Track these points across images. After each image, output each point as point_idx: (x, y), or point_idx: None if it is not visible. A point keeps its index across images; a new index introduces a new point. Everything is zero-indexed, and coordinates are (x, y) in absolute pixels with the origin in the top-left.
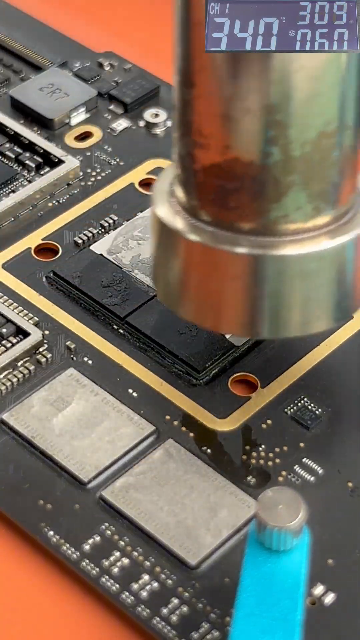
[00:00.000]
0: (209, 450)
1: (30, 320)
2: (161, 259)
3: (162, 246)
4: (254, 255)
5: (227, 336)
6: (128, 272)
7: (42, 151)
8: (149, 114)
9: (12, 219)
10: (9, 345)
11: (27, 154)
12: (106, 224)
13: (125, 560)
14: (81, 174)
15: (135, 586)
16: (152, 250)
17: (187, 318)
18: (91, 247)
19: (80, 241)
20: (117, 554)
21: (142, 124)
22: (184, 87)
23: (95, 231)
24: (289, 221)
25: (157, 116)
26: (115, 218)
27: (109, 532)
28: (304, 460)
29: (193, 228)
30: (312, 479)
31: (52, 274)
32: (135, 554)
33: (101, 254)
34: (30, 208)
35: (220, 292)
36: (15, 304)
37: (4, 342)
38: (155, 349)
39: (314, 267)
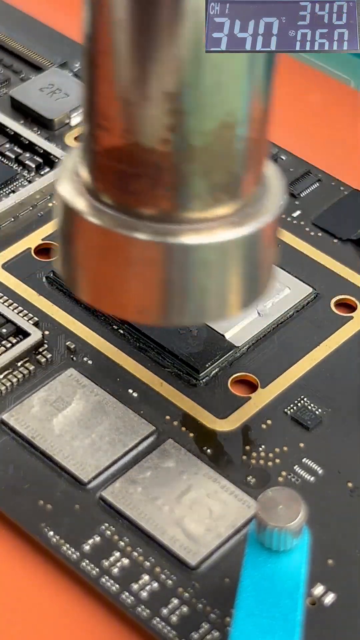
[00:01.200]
0: (209, 451)
1: (30, 321)
2: (62, 239)
3: (63, 225)
4: (152, 241)
5: (227, 336)
6: None
7: (42, 151)
8: None
9: (12, 219)
10: (8, 345)
11: (27, 154)
12: None
13: (125, 561)
14: None
15: (135, 586)
16: (56, 229)
17: (86, 300)
18: None
19: None
20: (117, 554)
21: None
22: (89, 68)
23: None
24: (187, 210)
25: None
26: None
27: (109, 533)
28: (303, 460)
29: (94, 210)
30: (312, 479)
31: (52, 274)
32: (135, 554)
33: None
34: (30, 208)
35: (118, 277)
36: (15, 304)
37: (4, 342)
38: (155, 349)
39: (212, 258)
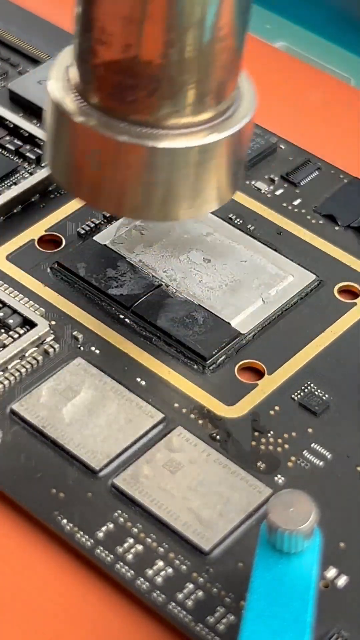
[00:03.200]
0: (218, 437)
1: (36, 311)
2: (52, 138)
3: (53, 125)
4: (146, 145)
5: (233, 324)
6: (132, 262)
7: (42, 143)
8: None
9: (15, 211)
10: (16, 336)
11: (28, 147)
12: (108, 215)
13: (139, 547)
14: None
15: (149, 572)
16: (45, 128)
17: (78, 196)
18: (94, 238)
19: (83, 232)
20: (131, 540)
21: None
22: None
23: (98, 222)
24: (179, 116)
25: None
26: None
27: (122, 520)
28: (312, 445)
29: (83, 112)
30: (321, 464)
31: (56, 265)
32: (149, 540)
33: (105, 245)
34: (33, 200)
35: (110, 178)
36: (20, 295)
37: (11, 332)
38: (162, 338)
39: (199, 159)
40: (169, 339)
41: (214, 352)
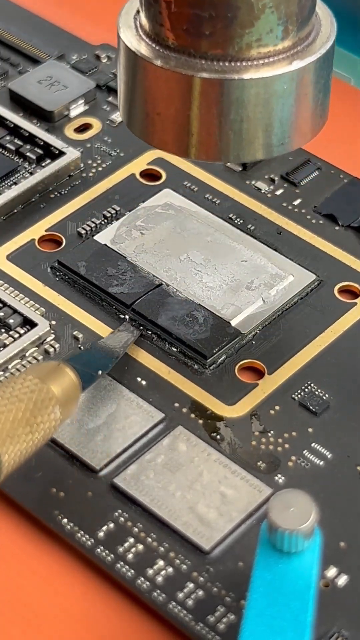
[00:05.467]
0: (218, 437)
1: (36, 311)
2: (128, 88)
3: (129, 75)
4: (230, 79)
5: (233, 323)
6: (132, 261)
7: (42, 143)
8: None
9: (15, 211)
10: (16, 336)
11: (28, 146)
12: (109, 215)
13: (140, 546)
14: (82, 165)
15: (150, 572)
16: (119, 81)
17: (155, 145)
18: (95, 238)
19: (83, 232)
20: (131, 540)
21: None
22: None
23: (98, 222)
24: (261, 45)
25: None
26: (118, 208)
27: (122, 519)
28: (313, 445)
29: (160, 55)
30: (322, 463)
31: (57, 264)
32: (149, 540)
33: (105, 244)
34: (33, 200)
35: (193, 119)
36: (21, 294)
37: (11, 332)
38: (162, 336)
39: (287, 88)
40: (169, 337)
41: (214, 351)
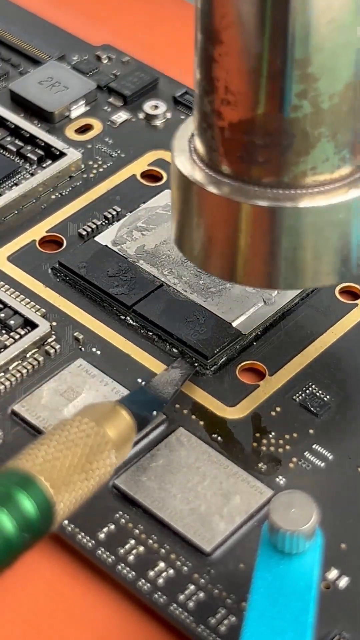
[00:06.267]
0: (219, 438)
1: (37, 312)
2: (180, 213)
3: (182, 200)
4: (283, 208)
5: (234, 324)
6: (133, 263)
7: (43, 144)
8: (148, 106)
9: (16, 212)
10: (17, 337)
11: (29, 147)
12: (109, 216)
13: (141, 548)
14: (83, 166)
15: (151, 573)
16: (172, 204)
17: (207, 270)
18: (95, 239)
19: (84, 233)
20: (132, 542)
21: (141, 116)
22: (209, 45)
23: (99, 223)
24: (316, 173)
25: (156, 108)
26: (119, 209)
27: (123, 521)
28: (313, 446)
29: (214, 181)
30: (323, 464)
31: (58, 265)
32: (150, 541)
33: (106, 245)
34: (34, 200)
35: (245, 246)
36: (22, 295)
37: (12, 333)
38: (163, 337)
39: (342, 217)
40: (171, 337)
41: (215, 352)
